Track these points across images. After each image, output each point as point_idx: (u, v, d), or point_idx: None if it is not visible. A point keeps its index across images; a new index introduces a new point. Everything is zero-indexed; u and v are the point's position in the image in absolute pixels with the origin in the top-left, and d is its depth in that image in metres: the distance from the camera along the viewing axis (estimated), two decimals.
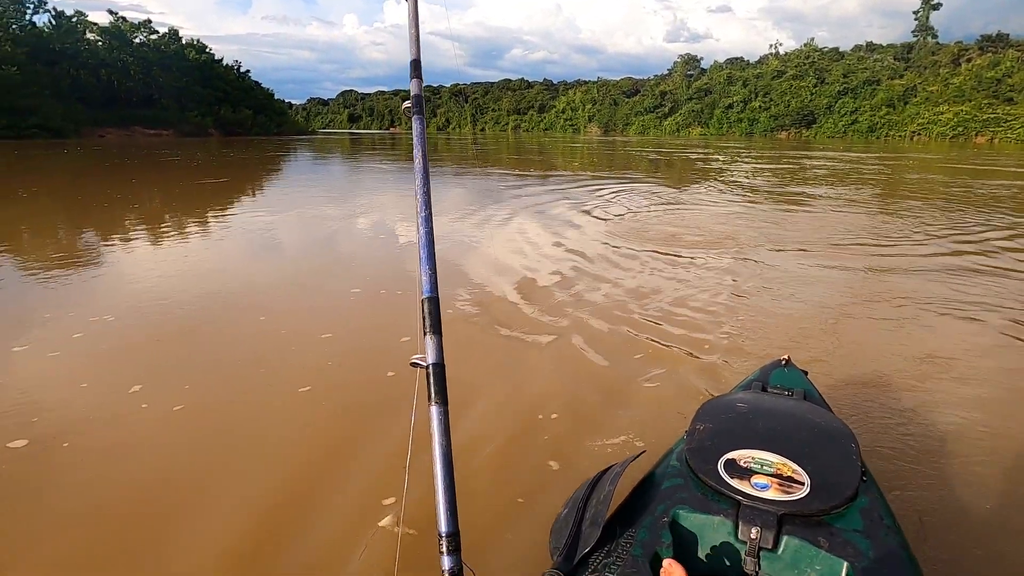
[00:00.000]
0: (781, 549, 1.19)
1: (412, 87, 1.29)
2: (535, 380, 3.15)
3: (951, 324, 4.03)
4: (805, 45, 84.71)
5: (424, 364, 1.08)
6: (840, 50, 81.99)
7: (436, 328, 1.10)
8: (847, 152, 32.71)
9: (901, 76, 70.76)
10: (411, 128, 1.28)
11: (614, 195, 11.30)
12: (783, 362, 2.05)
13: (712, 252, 6.26)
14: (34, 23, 49.60)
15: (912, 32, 78.08)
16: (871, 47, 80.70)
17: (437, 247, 1.17)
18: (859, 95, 72.56)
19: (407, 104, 1.26)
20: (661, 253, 6.22)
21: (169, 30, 61.70)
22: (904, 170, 19.51)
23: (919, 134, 63.24)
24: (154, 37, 59.00)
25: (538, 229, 7.72)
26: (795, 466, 1.34)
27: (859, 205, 10.28)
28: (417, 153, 1.22)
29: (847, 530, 1.21)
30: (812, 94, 76.43)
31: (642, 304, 4.39)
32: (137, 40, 56.83)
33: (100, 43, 52.90)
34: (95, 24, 53.73)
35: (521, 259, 5.98)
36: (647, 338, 3.69)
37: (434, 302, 1.11)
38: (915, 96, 66.58)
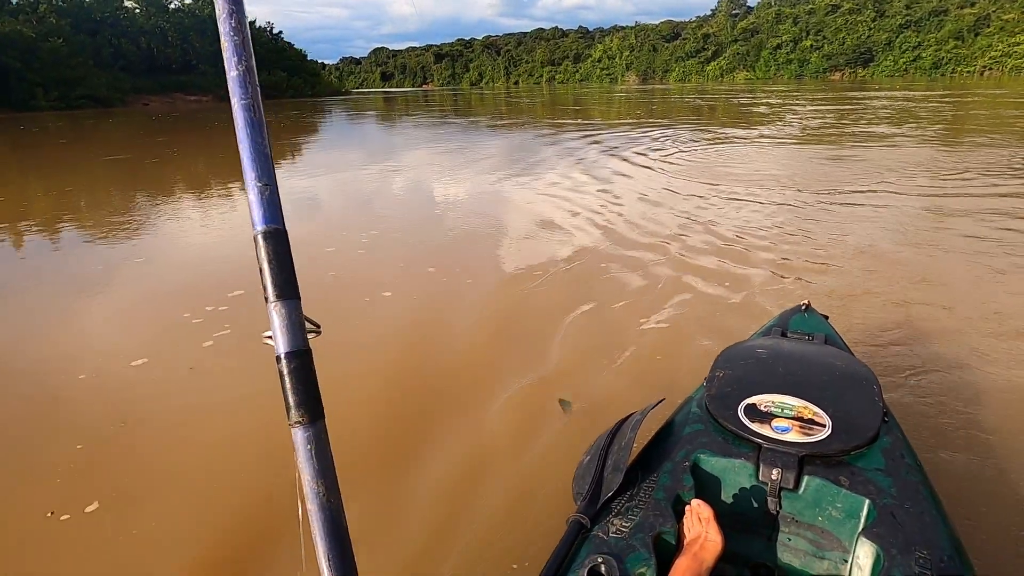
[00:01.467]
0: (802, 489, 1.21)
1: None
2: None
3: (1006, 269, 3.82)
4: None
5: (277, 348, 0.60)
6: None
7: (289, 290, 0.60)
8: (908, 90, 30.44)
9: (973, 4, 64.56)
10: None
11: (675, 145, 10.98)
12: (803, 307, 2.03)
13: (766, 194, 6.19)
14: None
15: None
16: None
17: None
18: (923, 28, 66.85)
19: None
20: (722, 195, 6.19)
21: None
22: (979, 106, 18.10)
23: (990, 68, 58.05)
24: (188, 2, 59.42)
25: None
26: (816, 408, 1.34)
27: (927, 143, 9.82)
28: None
29: (869, 469, 1.21)
30: (870, 29, 70.88)
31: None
32: (172, 6, 57.35)
33: (138, 10, 53.59)
34: None
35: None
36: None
37: (278, 239, 0.61)
38: (988, 26, 60.74)
